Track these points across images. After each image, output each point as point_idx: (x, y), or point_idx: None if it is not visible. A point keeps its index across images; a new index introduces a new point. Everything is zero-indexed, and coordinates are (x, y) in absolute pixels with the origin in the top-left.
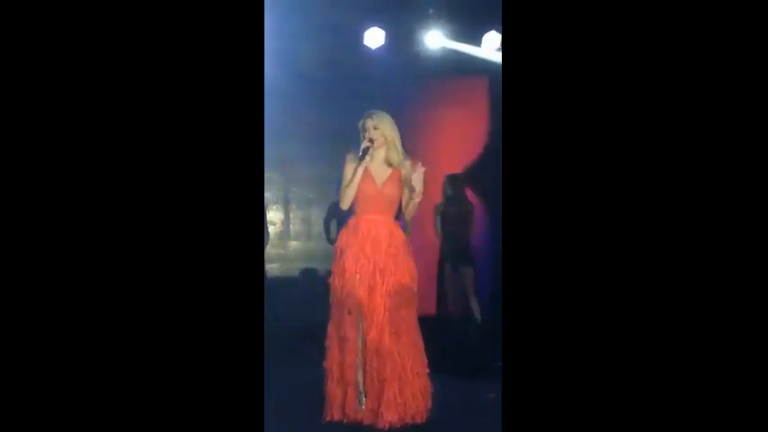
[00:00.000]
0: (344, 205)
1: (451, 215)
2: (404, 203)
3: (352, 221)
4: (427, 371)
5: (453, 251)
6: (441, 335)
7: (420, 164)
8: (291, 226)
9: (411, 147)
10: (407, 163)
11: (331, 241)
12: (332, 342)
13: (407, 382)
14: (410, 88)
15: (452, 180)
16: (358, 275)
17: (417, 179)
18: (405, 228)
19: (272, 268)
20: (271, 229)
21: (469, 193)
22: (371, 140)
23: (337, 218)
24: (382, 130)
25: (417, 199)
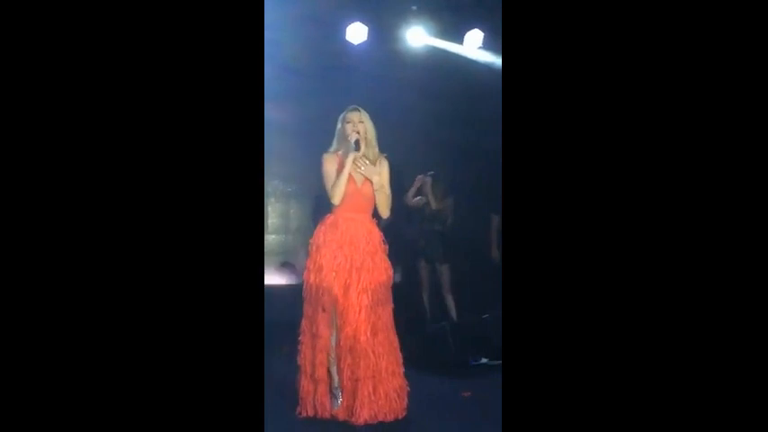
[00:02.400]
0: (336, 200)
1: (429, 213)
2: (376, 200)
3: (329, 219)
4: (402, 370)
5: (429, 249)
6: (416, 333)
7: (383, 156)
8: (270, 220)
9: (391, 143)
10: (384, 165)
11: None
12: (305, 339)
13: (381, 380)
14: (391, 84)
15: (432, 177)
16: (334, 273)
17: (370, 172)
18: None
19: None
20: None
21: (448, 191)
22: (358, 133)
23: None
24: (367, 127)
25: (385, 191)
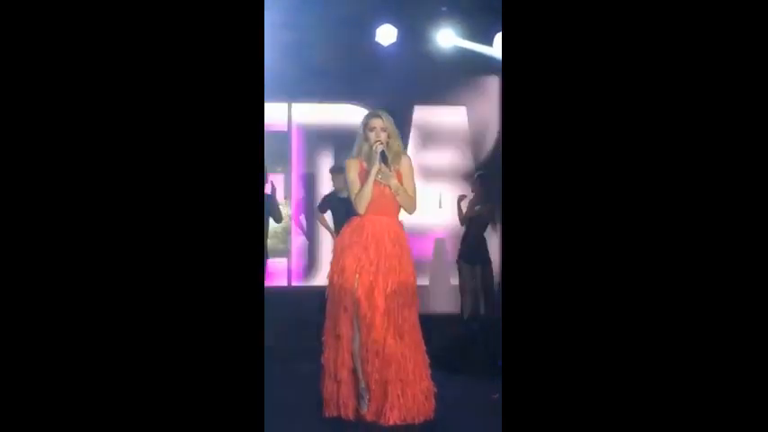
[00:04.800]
0: (361, 209)
1: (476, 213)
2: (399, 201)
3: (355, 220)
4: (429, 371)
5: (471, 248)
6: (446, 333)
7: (404, 154)
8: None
9: (420, 144)
10: (408, 167)
11: (330, 229)
12: (328, 339)
13: (409, 382)
14: (420, 86)
15: (480, 178)
16: (357, 274)
17: (386, 177)
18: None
19: (277, 263)
20: (277, 225)
21: (492, 192)
22: (382, 142)
23: (332, 209)
24: (389, 131)
25: (408, 192)
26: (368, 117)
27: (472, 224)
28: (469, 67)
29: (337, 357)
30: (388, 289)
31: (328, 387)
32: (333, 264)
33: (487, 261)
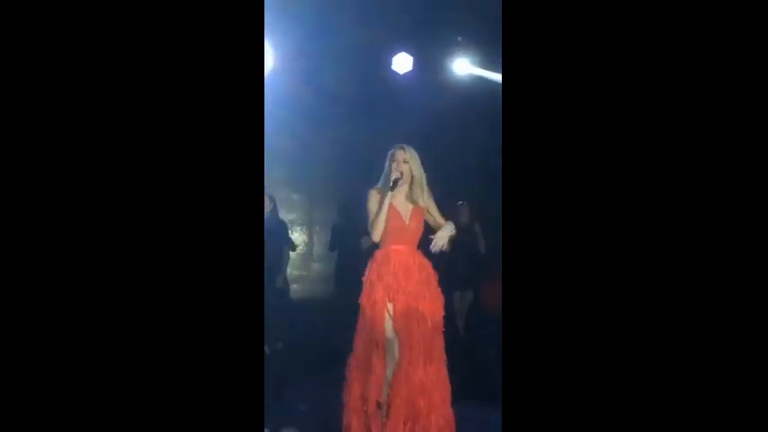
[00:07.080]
0: (376, 237)
1: (457, 242)
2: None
3: (379, 253)
4: (450, 399)
5: (456, 276)
6: (461, 361)
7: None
8: (314, 248)
9: (434, 173)
10: (430, 201)
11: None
12: (354, 375)
13: (432, 410)
14: (435, 113)
15: (460, 207)
16: (390, 303)
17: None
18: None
19: (294, 290)
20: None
21: (475, 221)
22: (401, 173)
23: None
24: (411, 165)
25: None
26: (394, 149)
27: (454, 253)
28: (483, 95)
29: (369, 393)
30: (420, 316)
31: (350, 422)
32: (362, 300)
33: (471, 289)
